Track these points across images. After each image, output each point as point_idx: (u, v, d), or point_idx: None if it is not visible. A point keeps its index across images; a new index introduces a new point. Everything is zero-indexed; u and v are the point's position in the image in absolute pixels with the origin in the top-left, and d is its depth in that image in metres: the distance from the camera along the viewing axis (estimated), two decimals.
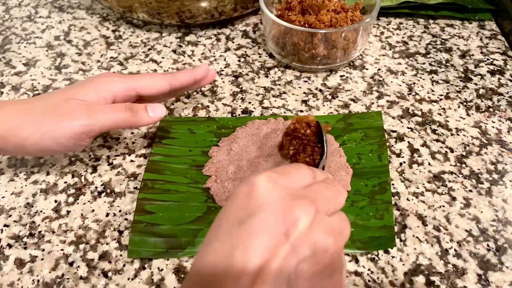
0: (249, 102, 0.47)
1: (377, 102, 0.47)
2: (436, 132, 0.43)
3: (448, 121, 0.44)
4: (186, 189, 0.39)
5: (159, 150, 0.42)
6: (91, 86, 0.37)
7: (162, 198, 0.38)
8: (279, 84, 0.49)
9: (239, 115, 0.46)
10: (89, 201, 0.39)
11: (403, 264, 0.33)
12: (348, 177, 0.39)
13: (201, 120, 0.46)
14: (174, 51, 0.55)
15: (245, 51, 0.54)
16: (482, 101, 0.47)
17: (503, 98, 0.47)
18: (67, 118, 0.34)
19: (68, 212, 0.38)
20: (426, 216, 0.36)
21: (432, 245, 0.34)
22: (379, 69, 0.51)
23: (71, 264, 0.34)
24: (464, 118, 0.45)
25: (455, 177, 0.39)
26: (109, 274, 0.34)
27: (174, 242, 0.35)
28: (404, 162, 0.41)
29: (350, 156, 0.41)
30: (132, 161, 0.42)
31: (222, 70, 0.52)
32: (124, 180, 0.40)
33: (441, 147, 0.42)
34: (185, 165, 0.41)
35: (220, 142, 0.43)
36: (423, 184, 0.39)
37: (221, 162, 0.41)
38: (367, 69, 0.51)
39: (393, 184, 0.39)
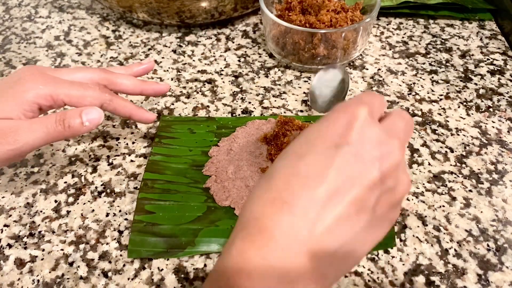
0: (249, 102, 0.47)
1: None
2: (436, 132, 0.43)
3: (448, 121, 0.44)
4: (186, 189, 0.39)
5: (159, 150, 0.42)
6: (13, 98, 0.33)
7: (162, 197, 0.38)
8: (279, 84, 0.49)
9: (239, 115, 0.46)
10: (89, 201, 0.39)
11: (403, 264, 0.33)
12: None
13: (201, 120, 0.45)
14: (174, 51, 0.55)
15: (245, 51, 0.54)
16: (482, 101, 0.47)
17: (503, 98, 0.47)
18: None
19: (68, 212, 0.38)
20: (426, 216, 0.36)
21: (432, 245, 0.34)
22: (379, 69, 0.51)
23: (71, 264, 0.34)
24: (464, 118, 0.45)
25: (455, 177, 0.39)
26: (109, 274, 0.34)
27: (174, 242, 0.35)
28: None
29: None
30: (132, 161, 0.42)
31: (222, 70, 0.52)
32: (124, 180, 0.40)
33: (441, 147, 0.42)
34: (185, 165, 0.41)
35: (220, 142, 0.43)
36: (423, 184, 0.39)
37: (221, 162, 0.41)
38: (367, 69, 0.51)
39: None
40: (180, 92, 0.49)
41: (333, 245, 0.20)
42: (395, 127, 0.24)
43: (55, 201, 0.39)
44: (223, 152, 0.42)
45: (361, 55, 0.53)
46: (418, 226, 0.36)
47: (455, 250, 0.34)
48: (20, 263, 0.34)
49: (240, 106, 0.47)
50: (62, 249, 0.35)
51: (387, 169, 0.22)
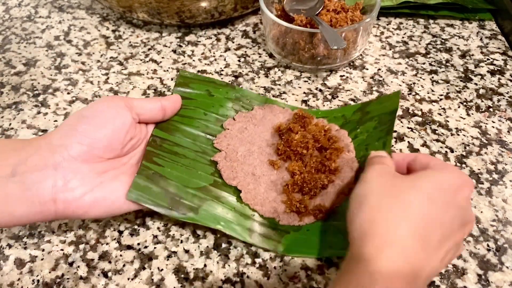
0: None
1: None
2: (436, 132, 0.43)
3: (448, 121, 0.44)
4: (194, 156, 0.38)
5: None
6: None
7: (170, 158, 0.37)
8: (279, 84, 0.49)
9: None
10: None
11: None
12: (352, 173, 0.37)
13: (221, 84, 0.44)
14: (174, 51, 0.55)
15: (245, 51, 0.54)
16: (482, 101, 0.47)
17: (503, 98, 0.47)
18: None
19: None
20: None
21: None
22: (379, 69, 0.51)
23: (71, 264, 0.34)
24: (464, 118, 0.45)
25: None
26: (109, 274, 0.34)
27: (178, 202, 0.35)
28: None
29: (358, 149, 0.39)
30: None
31: (222, 70, 0.52)
32: None
33: (441, 147, 0.42)
34: (197, 130, 0.40)
35: (237, 116, 0.41)
36: None
37: (233, 138, 0.40)
38: (367, 69, 0.51)
39: None
40: None
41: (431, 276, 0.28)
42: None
43: None
44: (238, 129, 0.40)
45: (361, 55, 0.53)
46: None
47: None
48: (20, 263, 0.34)
49: None
50: (62, 249, 0.35)
51: (468, 232, 0.29)
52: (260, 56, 0.53)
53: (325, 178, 0.37)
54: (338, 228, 0.34)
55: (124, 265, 0.34)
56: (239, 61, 0.53)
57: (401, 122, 0.45)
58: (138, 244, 0.35)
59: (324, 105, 0.46)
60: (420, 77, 0.50)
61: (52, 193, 0.30)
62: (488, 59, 0.52)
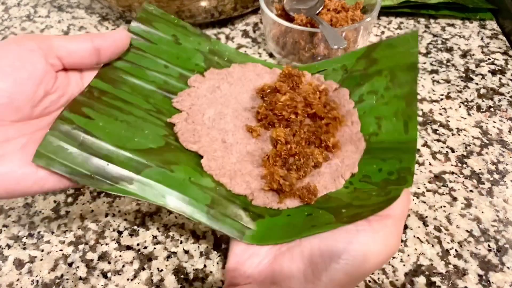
0: None
1: None
2: (437, 132, 0.43)
3: (449, 121, 0.44)
4: (143, 115, 0.30)
5: (125, 54, 0.31)
6: None
7: (107, 112, 0.28)
8: None
9: None
10: (88, 202, 0.38)
11: (404, 265, 0.33)
12: (357, 154, 0.29)
13: (194, 32, 0.35)
14: None
15: (245, 51, 0.54)
16: (483, 101, 0.46)
17: (504, 98, 0.47)
18: None
19: (67, 212, 0.38)
20: (427, 217, 0.36)
21: (433, 246, 0.34)
22: None
23: (70, 264, 0.34)
24: (465, 118, 0.45)
25: (456, 177, 0.39)
26: (109, 274, 0.33)
27: (105, 168, 0.26)
28: None
29: (366, 122, 0.30)
30: None
31: None
32: None
33: (442, 147, 0.42)
34: (152, 85, 0.31)
35: (208, 73, 0.33)
36: (424, 184, 0.39)
37: (200, 98, 0.32)
38: None
39: None
40: None
41: None
42: None
43: (54, 201, 0.39)
44: (207, 88, 0.32)
45: None
46: (419, 227, 0.36)
47: (456, 250, 0.34)
48: (19, 264, 0.34)
49: None
50: (61, 250, 0.35)
51: None
52: (260, 56, 0.53)
53: (319, 154, 0.29)
54: (329, 210, 0.27)
55: (123, 266, 0.34)
56: None
57: None
58: (138, 244, 0.35)
59: None
60: (421, 77, 0.49)
61: None
62: (489, 59, 0.52)
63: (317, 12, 0.48)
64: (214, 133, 0.30)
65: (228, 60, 0.35)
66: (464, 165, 0.40)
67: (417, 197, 0.38)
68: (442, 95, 0.47)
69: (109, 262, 0.34)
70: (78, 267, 0.34)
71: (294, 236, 0.26)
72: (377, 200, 0.25)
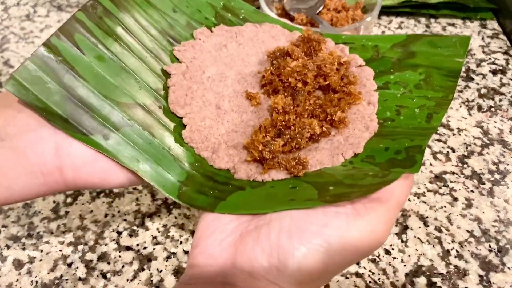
0: None
1: None
2: (438, 132, 0.43)
3: (450, 121, 0.44)
4: (140, 54, 0.27)
5: None
6: None
7: (102, 42, 0.26)
8: None
9: None
10: (87, 202, 0.38)
11: (404, 265, 0.33)
12: (365, 134, 0.25)
13: None
14: None
15: None
16: (483, 101, 0.46)
17: (505, 98, 0.46)
18: None
19: (67, 212, 0.38)
20: (427, 217, 0.36)
21: (433, 246, 0.34)
22: None
23: (69, 265, 0.34)
24: (465, 118, 0.44)
25: (456, 178, 0.39)
26: (108, 275, 0.33)
27: (84, 116, 0.24)
28: None
29: (384, 108, 0.27)
30: None
31: None
32: None
33: (442, 147, 0.42)
34: (156, 25, 0.29)
35: (216, 29, 0.31)
36: (425, 184, 0.38)
37: (204, 53, 0.29)
38: None
39: None
40: None
41: None
42: None
43: (54, 201, 0.38)
44: (214, 44, 0.30)
45: None
46: (419, 227, 0.35)
47: (456, 251, 0.34)
48: (18, 264, 0.34)
49: None
50: (60, 250, 0.35)
51: None
52: None
53: (317, 126, 0.25)
54: (315, 185, 0.24)
55: (123, 266, 0.34)
56: None
57: None
58: (137, 245, 0.35)
59: None
60: None
61: (56, 159, 0.23)
62: (489, 59, 0.51)
63: (318, 11, 0.48)
64: (210, 96, 0.27)
65: (244, 19, 0.32)
66: (465, 165, 0.40)
67: (418, 197, 0.37)
68: None
69: (109, 263, 0.34)
70: (77, 267, 0.34)
71: (267, 209, 0.22)
72: (371, 181, 0.22)
